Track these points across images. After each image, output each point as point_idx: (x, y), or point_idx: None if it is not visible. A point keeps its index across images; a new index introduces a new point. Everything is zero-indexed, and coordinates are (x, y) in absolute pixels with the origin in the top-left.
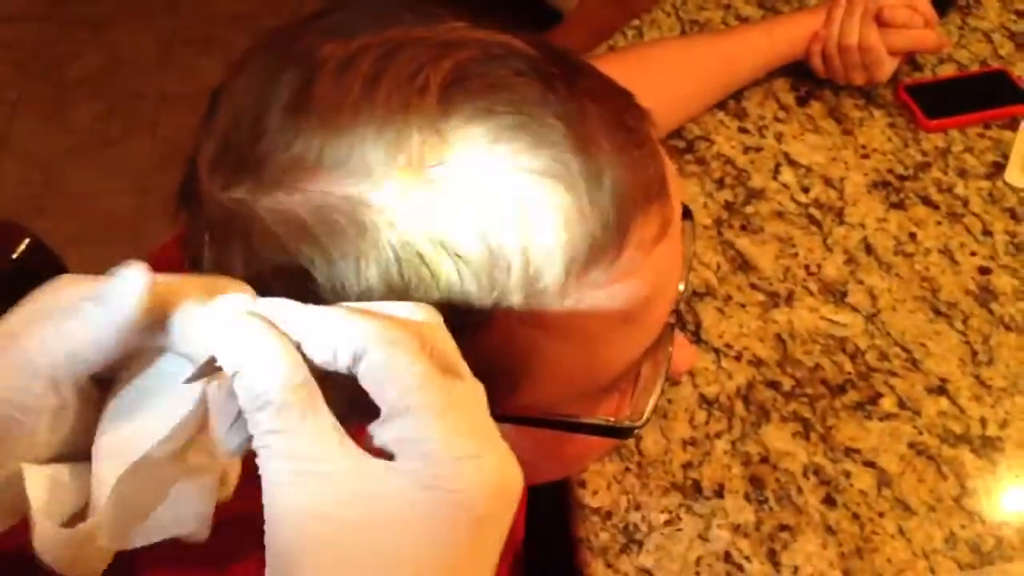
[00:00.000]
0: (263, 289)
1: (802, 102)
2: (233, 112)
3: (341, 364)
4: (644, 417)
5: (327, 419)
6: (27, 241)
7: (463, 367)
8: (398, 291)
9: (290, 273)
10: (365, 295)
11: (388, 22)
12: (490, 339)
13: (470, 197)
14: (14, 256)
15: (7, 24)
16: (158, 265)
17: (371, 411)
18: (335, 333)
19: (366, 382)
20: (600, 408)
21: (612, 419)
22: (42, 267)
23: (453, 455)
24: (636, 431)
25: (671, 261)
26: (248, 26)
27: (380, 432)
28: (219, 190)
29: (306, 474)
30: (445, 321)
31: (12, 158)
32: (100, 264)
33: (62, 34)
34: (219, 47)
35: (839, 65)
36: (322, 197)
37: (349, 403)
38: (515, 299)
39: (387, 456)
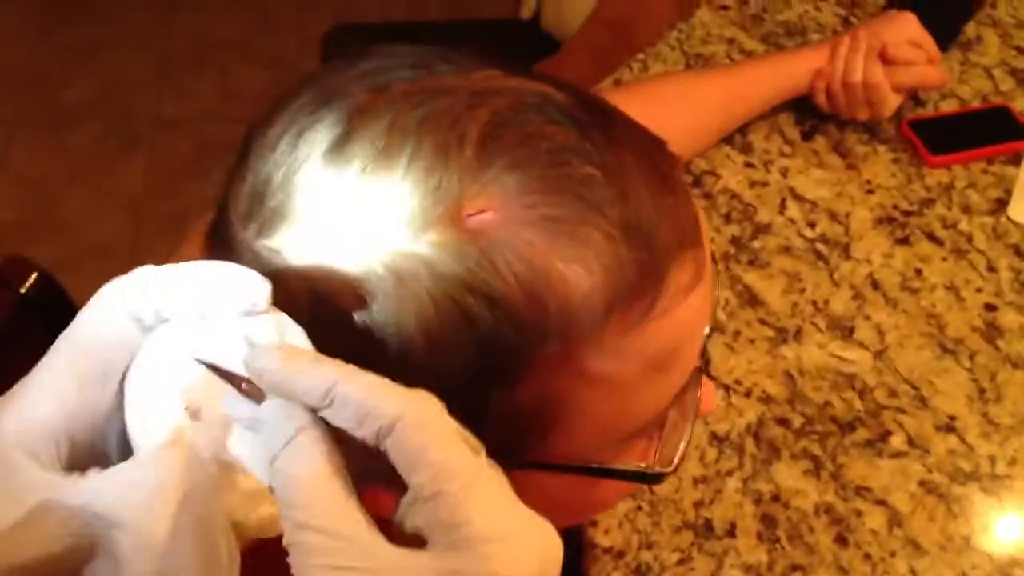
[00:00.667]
0: None
1: (807, 137)
2: (268, 159)
3: (365, 434)
4: (674, 463)
5: (356, 511)
6: (35, 275)
7: (477, 443)
8: (436, 340)
9: (326, 323)
10: (404, 345)
11: (423, 70)
12: (525, 387)
13: (508, 247)
14: (23, 290)
15: (1, 47)
16: None
17: (382, 475)
18: (365, 404)
19: (395, 457)
20: (627, 453)
21: (643, 465)
22: (50, 300)
23: (490, 537)
24: (666, 477)
25: (702, 306)
26: (245, 51)
27: (411, 515)
28: (253, 237)
29: (342, 569)
30: (482, 369)
31: (7, 181)
32: (95, 286)
33: (57, 57)
34: (215, 71)
35: (843, 101)
36: (360, 246)
37: (360, 466)
38: (552, 347)
39: (415, 538)
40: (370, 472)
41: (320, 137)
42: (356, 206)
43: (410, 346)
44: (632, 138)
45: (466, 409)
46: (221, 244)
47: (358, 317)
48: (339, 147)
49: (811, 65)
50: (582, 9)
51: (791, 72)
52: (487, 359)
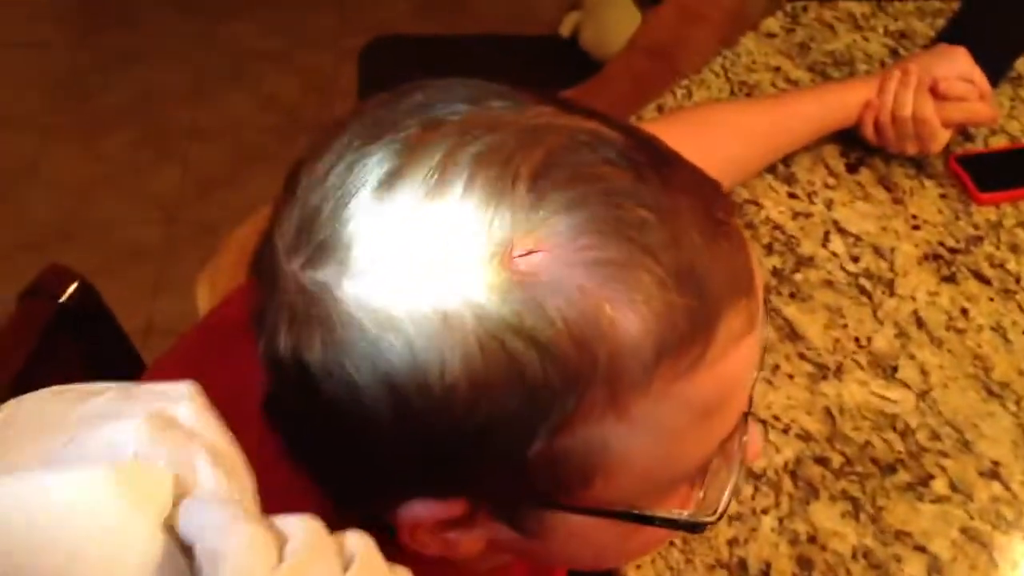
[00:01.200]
0: (340, 376)
1: (852, 169)
2: (317, 191)
3: None
4: (719, 511)
5: None
6: (75, 285)
7: None
8: (480, 383)
9: (371, 361)
10: (449, 387)
11: (476, 105)
12: (570, 431)
13: (558, 290)
14: (62, 299)
15: (39, 49)
16: (221, 325)
17: None
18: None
19: None
20: (670, 499)
21: (686, 512)
22: (89, 310)
23: None
24: (710, 526)
25: (752, 354)
26: (280, 62)
27: None
28: (299, 269)
29: None
30: (527, 413)
31: (41, 185)
32: (126, 292)
33: (95, 63)
34: (250, 82)
35: (892, 135)
36: (408, 285)
37: None
38: (599, 393)
39: None
40: None
41: (371, 171)
42: (404, 242)
43: (455, 388)
44: (687, 181)
45: (507, 452)
46: (265, 274)
47: (403, 358)
48: (390, 181)
49: (860, 97)
50: (621, 30)
51: (840, 104)
52: (532, 403)
